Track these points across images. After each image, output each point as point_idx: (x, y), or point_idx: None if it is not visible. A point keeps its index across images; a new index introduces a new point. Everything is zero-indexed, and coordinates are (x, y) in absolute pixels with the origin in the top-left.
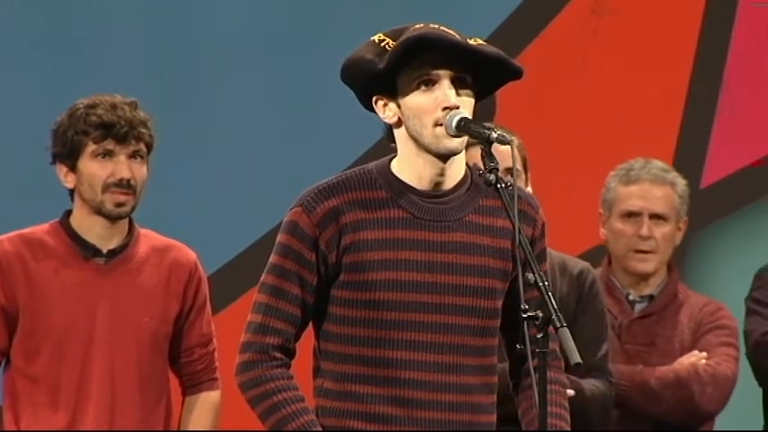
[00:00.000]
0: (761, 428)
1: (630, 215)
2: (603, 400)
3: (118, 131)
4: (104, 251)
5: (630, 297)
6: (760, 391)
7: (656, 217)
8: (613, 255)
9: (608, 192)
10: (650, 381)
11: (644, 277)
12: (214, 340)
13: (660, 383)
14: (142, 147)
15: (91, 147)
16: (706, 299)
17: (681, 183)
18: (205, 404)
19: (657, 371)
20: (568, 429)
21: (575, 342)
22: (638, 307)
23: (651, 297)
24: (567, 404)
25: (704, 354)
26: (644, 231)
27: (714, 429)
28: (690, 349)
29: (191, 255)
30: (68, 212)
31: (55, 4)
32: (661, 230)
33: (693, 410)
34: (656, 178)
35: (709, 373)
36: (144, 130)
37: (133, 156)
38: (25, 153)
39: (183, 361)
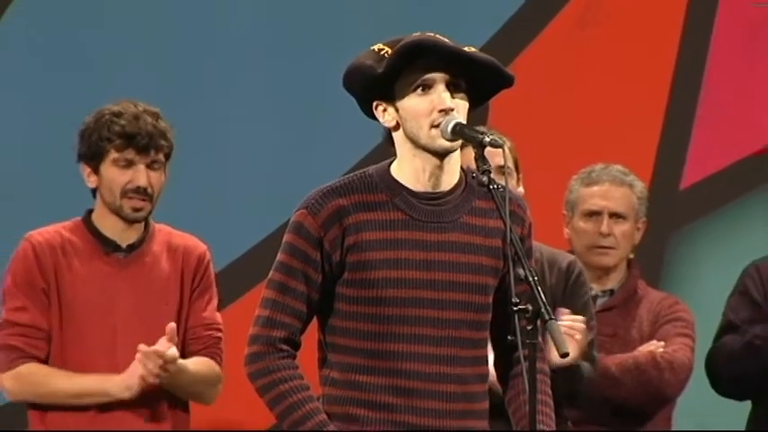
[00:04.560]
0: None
1: (592, 214)
2: (591, 381)
3: (139, 142)
4: (123, 246)
5: (593, 292)
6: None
7: (615, 216)
8: (576, 252)
9: (571, 193)
10: (611, 367)
11: (605, 272)
12: (221, 332)
13: (620, 369)
14: (161, 156)
15: (113, 154)
16: (664, 294)
17: (639, 185)
18: (200, 360)
19: (618, 358)
20: (553, 415)
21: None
22: (599, 301)
23: (612, 291)
24: (550, 392)
25: (662, 343)
26: (604, 228)
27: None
28: (649, 339)
29: (201, 245)
30: (90, 211)
31: (66, 12)
32: (620, 228)
33: (652, 394)
34: (615, 179)
35: (667, 359)
36: (163, 142)
37: (151, 165)
38: (43, 154)
39: (186, 340)
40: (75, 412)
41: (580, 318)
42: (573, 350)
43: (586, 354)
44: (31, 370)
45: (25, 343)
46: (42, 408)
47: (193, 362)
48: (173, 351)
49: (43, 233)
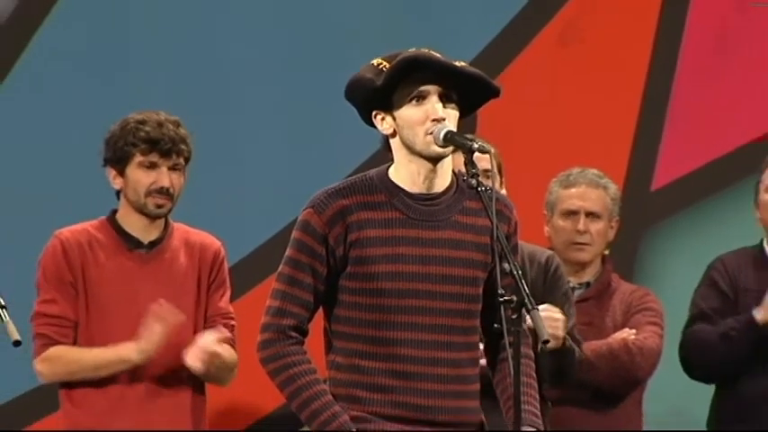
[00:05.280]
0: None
1: (570, 213)
2: (578, 360)
3: (162, 147)
4: (145, 243)
5: (570, 284)
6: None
7: (591, 215)
8: (555, 248)
9: (551, 195)
10: (587, 353)
11: (582, 266)
12: (234, 320)
13: (595, 355)
14: (181, 160)
15: (138, 158)
16: (635, 286)
17: (612, 187)
18: (226, 348)
19: (593, 344)
20: (536, 395)
21: None
22: (576, 292)
23: (588, 284)
24: (534, 374)
25: (633, 330)
26: (581, 227)
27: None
28: (621, 328)
29: (216, 242)
30: (114, 211)
31: (97, 28)
32: (595, 226)
33: (624, 377)
34: (591, 182)
35: (638, 345)
36: (184, 147)
37: (173, 167)
38: (72, 158)
39: (206, 328)
40: (98, 389)
41: (556, 309)
42: (557, 336)
43: (571, 335)
44: (58, 352)
45: (54, 331)
46: (69, 386)
47: (225, 349)
48: (222, 351)
49: (72, 230)
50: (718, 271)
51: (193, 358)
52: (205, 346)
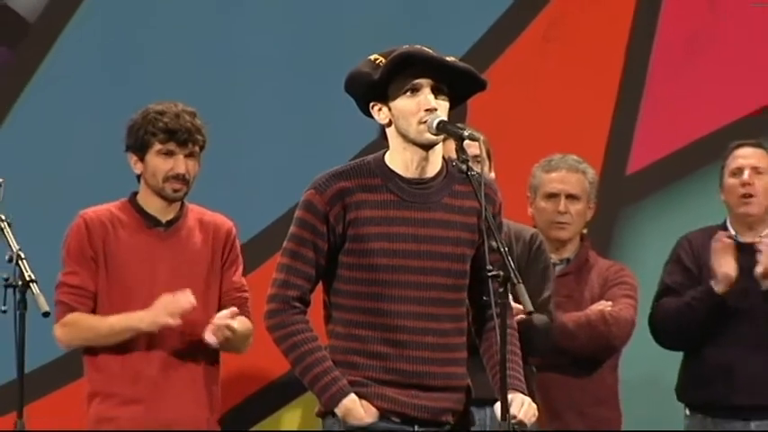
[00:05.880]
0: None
1: (551, 196)
2: (545, 329)
3: (179, 137)
4: (163, 221)
5: (552, 260)
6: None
7: (570, 197)
8: (538, 227)
9: (534, 179)
10: (567, 323)
11: (562, 244)
12: (247, 293)
13: (575, 325)
14: (197, 149)
15: (157, 146)
16: (611, 262)
17: (591, 171)
18: (241, 319)
19: (573, 315)
20: (520, 362)
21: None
22: (557, 268)
23: (568, 260)
24: (518, 343)
25: (609, 303)
26: (561, 208)
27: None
28: (598, 300)
29: (228, 221)
30: (135, 193)
31: (121, 30)
32: (575, 207)
33: (602, 345)
34: (571, 167)
35: (614, 316)
36: (199, 137)
37: (189, 155)
38: (97, 145)
39: (221, 301)
40: (117, 357)
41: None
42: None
43: (543, 307)
44: (75, 319)
45: (73, 299)
46: (92, 353)
47: (239, 321)
48: (236, 324)
49: (95, 210)
50: (683, 248)
51: (208, 334)
52: (218, 321)
